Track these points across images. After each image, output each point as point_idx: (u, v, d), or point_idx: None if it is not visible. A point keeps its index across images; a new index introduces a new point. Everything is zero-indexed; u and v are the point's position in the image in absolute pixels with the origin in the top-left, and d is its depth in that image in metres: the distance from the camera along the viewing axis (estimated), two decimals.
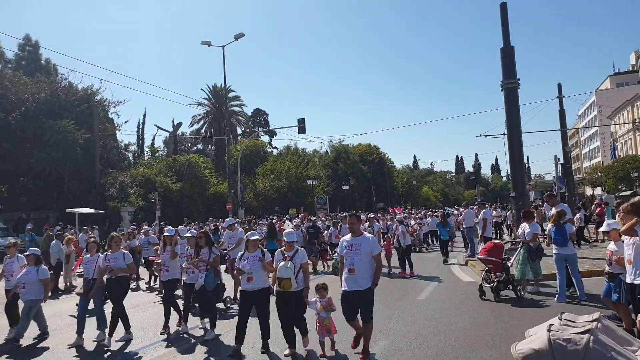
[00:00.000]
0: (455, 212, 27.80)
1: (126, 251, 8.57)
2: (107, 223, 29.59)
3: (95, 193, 32.73)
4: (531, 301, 9.30)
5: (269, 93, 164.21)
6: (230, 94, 58.64)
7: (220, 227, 22.36)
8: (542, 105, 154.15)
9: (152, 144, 57.21)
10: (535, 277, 9.90)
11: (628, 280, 5.69)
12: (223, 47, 31.03)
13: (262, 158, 55.01)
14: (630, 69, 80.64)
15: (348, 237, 6.34)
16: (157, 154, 50.59)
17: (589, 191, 66.58)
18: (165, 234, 9.13)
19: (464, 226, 18.31)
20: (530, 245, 9.85)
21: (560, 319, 3.32)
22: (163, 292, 9.52)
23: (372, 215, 18.35)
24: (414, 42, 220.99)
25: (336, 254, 13.99)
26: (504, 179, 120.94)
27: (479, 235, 16.46)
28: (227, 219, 13.31)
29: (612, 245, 6.85)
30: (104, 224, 29.60)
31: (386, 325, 7.95)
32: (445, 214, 19.65)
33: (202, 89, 63.40)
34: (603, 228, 7.46)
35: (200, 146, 65.43)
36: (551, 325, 3.30)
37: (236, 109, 62.17)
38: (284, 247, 6.86)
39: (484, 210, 14.65)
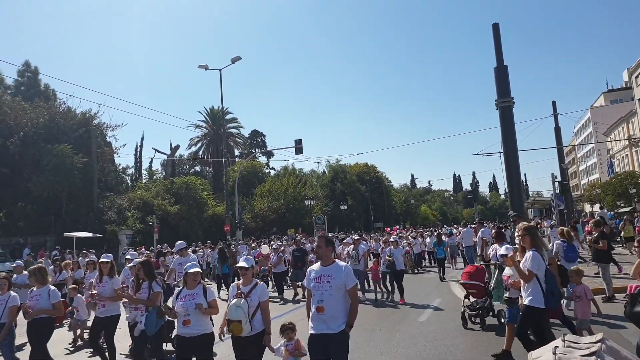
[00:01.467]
0: (455, 231, 27.79)
1: (53, 287, 7.16)
2: (104, 247, 29.41)
3: (93, 217, 32.63)
4: None
5: (266, 114, 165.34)
6: (228, 116, 58.98)
7: (165, 252, 22.09)
8: (538, 123, 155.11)
9: (150, 166, 57.24)
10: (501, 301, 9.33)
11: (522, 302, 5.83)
12: (220, 70, 31.33)
13: (259, 179, 55.07)
14: (624, 85, 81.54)
15: (316, 266, 5.02)
16: (154, 177, 50.57)
17: (587, 208, 66.61)
18: (102, 259, 7.66)
19: (463, 245, 18.33)
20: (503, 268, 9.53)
21: (563, 340, 3.30)
22: (89, 332, 7.93)
23: (357, 237, 16.56)
24: (410, 62, 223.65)
25: None
26: (502, 196, 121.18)
27: (478, 254, 16.43)
28: (178, 242, 11.19)
29: (507, 270, 6.80)
30: (101, 248, 29.39)
31: (386, 347, 7.88)
32: (439, 234, 19.76)
33: (199, 112, 63.90)
34: (501, 251, 7.53)
35: (198, 168, 65.48)
36: (556, 347, 3.27)
37: (234, 130, 62.49)
38: (241, 280, 5.47)
39: (482, 229, 14.61)
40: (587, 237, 11.62)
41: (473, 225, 19.93)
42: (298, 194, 48.74)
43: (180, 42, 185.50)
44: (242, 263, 5.46)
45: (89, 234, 28.04)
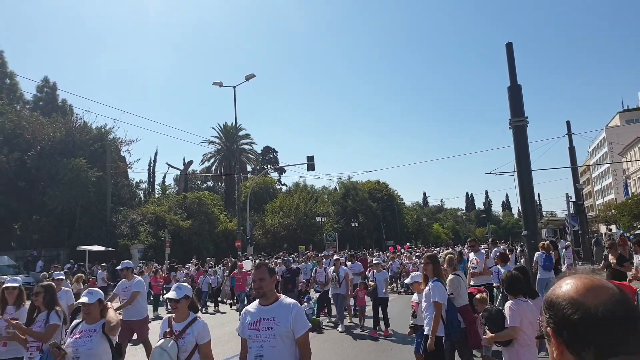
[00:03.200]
0: (466, 250, 27.35)
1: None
2: (114, 261, 29.58)
3: (105, 230, 32.87)
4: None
5: (279, 131, 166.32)
6: (241, 132, 59.43)
7: (177, 267, 21.84)
8: (552, 143, 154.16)
9: (163, 181, 57.70)
10: None
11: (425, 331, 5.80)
12: (234, 87, 31.76)
13: (271, 195, 55.17)
14: (639, 105, 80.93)
15: (254, 305, 3.74)
16: (167, 192, 50.94)
17: (603, 229, 65.59)
18: (6, 285, 5.84)
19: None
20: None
21: None
22: None
23: (337, 257, 14.45)
24: (424, 80, 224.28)
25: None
26: (515, 216, 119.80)
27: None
28: (123, 261, 9.10)
29: (415, 297, 6.72)
30: (112, 262, 29.55)
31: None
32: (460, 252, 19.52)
33: (213, 128, 64.55)
34: (407, 280, 7.51)
35: (210, 184, 65.86)
36: None
37: (246, 147, 62.91)
38: (173, 314, 4.24)
39: (495, 249, 14.42)
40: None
41: (484, 245, 19.64)
42: (309, 210, 48.72)
43: (195, 59, 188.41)
44: (171, 293, 4.20)
45: (102, 248, 28.22)
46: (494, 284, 10.43)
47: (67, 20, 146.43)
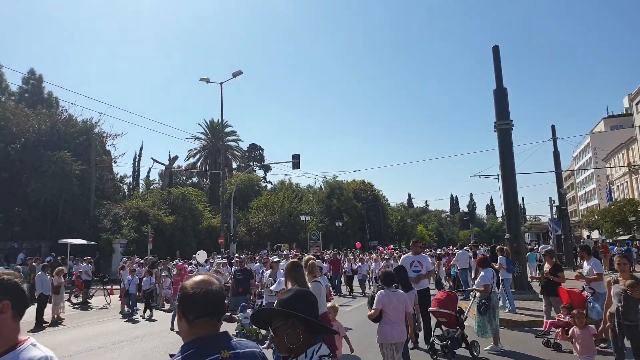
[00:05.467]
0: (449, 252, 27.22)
1: None
2: (96, 254, 29.23)
3: (88, 224, 32.56)
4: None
5: (265, 128, 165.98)
6: (227, 129, 59.14)
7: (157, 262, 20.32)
8: (537, 147, 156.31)
9: (148, 176, 57.21)
10: (485, 335, 8.88)
11: None
12: (221, 84, 31.62)
13: (256, 192, 55.03)
14: (624, 112, 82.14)
15: None
16: (152, 187, 50.51)
17: (585, 234, 66.57)
18: None
19: (458, 268, 18.26)
20: (480, 297, 9.01)
21: None
22: None
23: (277, 259, 12.54)
24: (410, 82, 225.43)
25: None
26: (499, 219, 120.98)
27: (473, 277, 16.34)
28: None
29: None
30: (94, 256, 29.27)
31: None
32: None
33: (199, 124, 64.18)
34: (273, 287, 7.69)
35: (195, 180, 65.50)
36: None
37: (232, 143, 62.64)
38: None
39: (477, 252, 14.62)
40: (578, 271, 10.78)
41: (466, 248, 19.72)
42: (294, 208, 48.68)
43: (183, 56, 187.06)
44: None
45: (84, 241, 27.91)
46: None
47: (55, 14, 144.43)
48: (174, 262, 20.19)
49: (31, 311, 14.89)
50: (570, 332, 7.09)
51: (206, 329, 1.97)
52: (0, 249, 30.37)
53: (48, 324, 13.97)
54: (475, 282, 9.60)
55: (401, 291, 6.51)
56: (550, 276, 9.93)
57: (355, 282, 21.58)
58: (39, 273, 14.89)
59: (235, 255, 24.71)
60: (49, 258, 22.51)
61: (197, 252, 18.90)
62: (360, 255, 24.67)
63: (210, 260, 21.06)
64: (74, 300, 19.69)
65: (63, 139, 33.96)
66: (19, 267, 22.30)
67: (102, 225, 32.94)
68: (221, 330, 2.04)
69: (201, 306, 1.96)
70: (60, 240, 27.45)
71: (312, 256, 9.48)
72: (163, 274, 17.90)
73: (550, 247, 13.12)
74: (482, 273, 9.27)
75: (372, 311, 6.31)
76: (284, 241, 43.18)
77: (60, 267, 16.27)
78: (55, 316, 14.56)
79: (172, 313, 13.06)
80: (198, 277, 2.07)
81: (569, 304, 8.58)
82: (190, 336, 1.96)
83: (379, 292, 6.49)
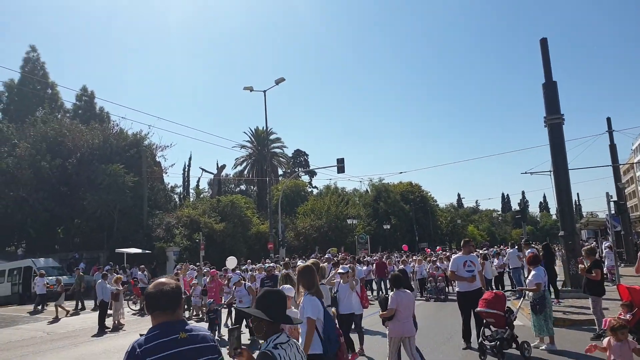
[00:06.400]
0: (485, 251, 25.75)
1: None
2: (154, 263, 30.31)
3: (142, 234, 33.74)
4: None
5: (309, 134, 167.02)
6: (272, 136, 60.03)
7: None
8: (592, 141, 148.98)
9: (197, 185, 58.94)
10: (542, 334, 8.80)
11: None
12: (264, 91, 32.07)
13: (302, 198, 55.43)
14: None
15: None
16: (201, 195, 51.90)
17: None
18: None
19: (509, 267, 17.79)
20: (534, 296, 8.87)
21: None
22: None
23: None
24: (456, 80, 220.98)
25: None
26: (554, 217, 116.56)
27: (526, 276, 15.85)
28: None
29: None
30: (151, 264, 30.41)
31: None
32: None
33: (244, 132, 65.40)
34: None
35: (243, 187, 66.74)
36: None
37: (277, 150, 63.46)
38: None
39: (528, 250, 14.11)
40: (581, 266, 10.26)
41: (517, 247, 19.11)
42: (340, 212, 48.68)
43: (227, 65, 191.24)
44: None
45: (139, 250, 29.02)
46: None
47: (98, 33, 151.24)
48: (205, 269, 19.39)
49: (94, 317, 15.64)
50: (605, 343, 5.81)
51: (165, 318, 2.54)
52: (62, 259, 32.05)
53: (110, 329, 14.57)
54: (527, 280, 9.39)
55: (409, 291, 7.26)
56: (585, 274, 9.62)
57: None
58: (99, 281, 15.59)
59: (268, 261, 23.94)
60: (108, 267, 23.58)
61: (227, 258, 18.57)
62: (403, 258, 24.12)
63: (248, 267, 20.87)
64: (133, 307, 20.46)
65: (115, 152, 35.44)
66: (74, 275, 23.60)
67: (155, 235, 34.08)
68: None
69: (157, 301, 2.55)
70: (116, 250, 28.66)
71: (313, 260, 9.45)
72: (194, 281, 17.43)
73: (592, 246, 12.32)
74: (533, 272, 9.08)
75: (388, 310, 6.94)
76: (331, 245, 43.26)
77: (118, 276, 16.97)
78: (116, 322, 15.18)
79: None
80: (158, 280, 2.69)
81: (629, 302, 8.15)
82: (154, 323, 2.55)
83: (392, 293, 7.16)
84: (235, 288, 12.64)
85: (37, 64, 45.99)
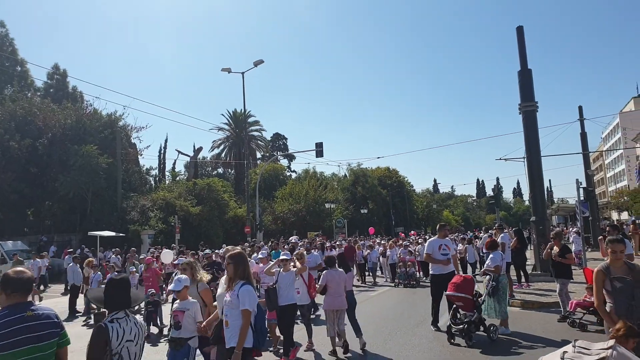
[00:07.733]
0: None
1: None
2: (125, 246, 29.95)
3: (116, 216, 33.24)
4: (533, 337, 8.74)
5: (288, 117, 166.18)
6: (250, 119, 59.48)
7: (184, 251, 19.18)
8: (564, 129, 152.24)
9: (173, 168, 58.07)
10: (495, 317, 8.88)
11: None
12: (243, 73, 31.65)
13: (280, 182, 55.25)
14: None
15: None
16: (177, 178, 51.25)
17: (615, 215, 64.95)
18: None
19: (483, 251, 18.10)
20: (493, 278, 9.04)
21: (574, 346, 3.24)
22: None
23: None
24: (432, 66, 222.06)
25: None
26: (527, 202, 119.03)
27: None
28: None
29: (177, 305, 5.70)
30: (123, 247, 30.06)
31: (402, 352, 7.84)
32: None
33: (222, 114, 64.50)
34: (170, 287, 6.33)
35: (220, 170, 66.14)
36: (565, 352, 3.22)
37: (256, 133, 62.96)
38: None
39: (501, 235, 14.35)
40: (551, 251, 10.47)
41: (491, 231, 19.50)
42: (319, 197, 48.73)
43: (204, 46, 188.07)
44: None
45: (112, 233, 28.56)
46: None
47: (76, 10, 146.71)
48: (200, 252, 18.66)
49: (64, 301, 15.38)
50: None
51: (17, 300, 3.11)
52: (32, 242, 31.33)
53: (80, 314, 14.36)
54: (485, 264, 9.67)
55: (341, 270, 8.25)
56: (558, 258, 9.93)
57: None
58: (70, 264, 15.29)
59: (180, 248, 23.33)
60: (79, 250, 23.13)
61: (162, 252, 17.54)
62: (369, 243, 23.69)
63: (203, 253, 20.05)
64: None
65: (89, 133, 34.61)
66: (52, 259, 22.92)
67: (129, 217, 33.60)
68: None
69: (15, 284, 3.12)
70: (89, 233, 28.14)
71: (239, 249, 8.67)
72: (131, 269, 15.98)
73: (558, 230, 12.68)
74: (491, 255, 9.43)
75: (319, 287, 8.08)
76: (309, 229, 43.36)
77: (90, 259, 16.68)
78: (87, 306, 14.94)
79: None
80: (17, 268, 3.26)
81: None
82: (5, 304, 3.09)
83: (324, 271, 8.23)
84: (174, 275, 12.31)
85: (5, 40, 44.35)
